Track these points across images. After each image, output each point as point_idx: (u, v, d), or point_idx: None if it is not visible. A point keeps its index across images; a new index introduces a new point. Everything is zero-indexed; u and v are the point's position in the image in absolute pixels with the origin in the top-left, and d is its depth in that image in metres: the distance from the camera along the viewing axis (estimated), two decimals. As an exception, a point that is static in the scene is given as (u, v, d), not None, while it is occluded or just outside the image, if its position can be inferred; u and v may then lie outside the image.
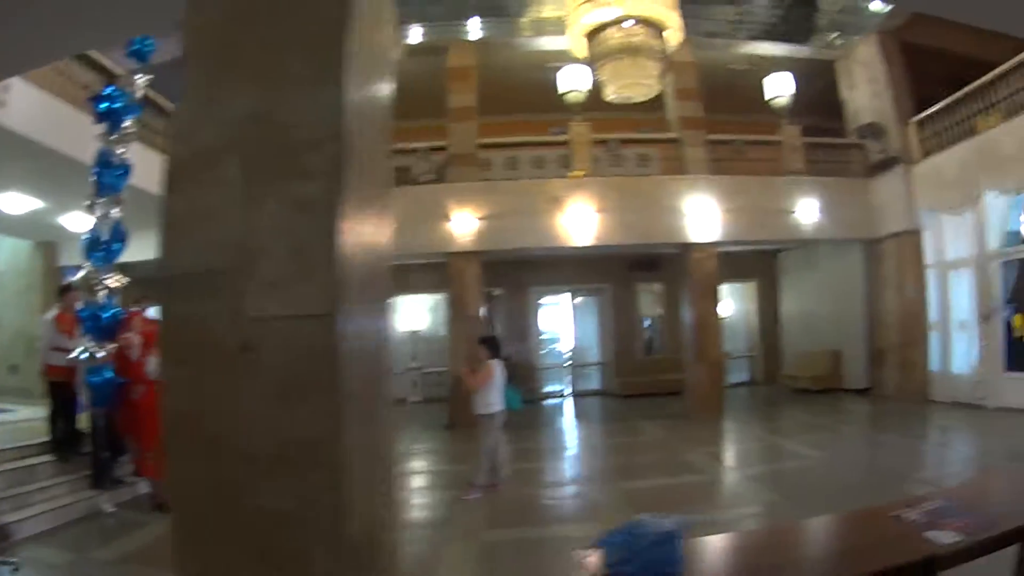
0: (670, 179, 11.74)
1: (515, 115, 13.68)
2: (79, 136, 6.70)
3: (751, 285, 16.42)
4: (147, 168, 7.08)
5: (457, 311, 11.97)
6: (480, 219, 11.58)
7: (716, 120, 12.43)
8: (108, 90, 6.45)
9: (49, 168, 7.32)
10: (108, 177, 6.36)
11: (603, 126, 12.57)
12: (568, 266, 15.11)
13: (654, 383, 14.17)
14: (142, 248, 10.77)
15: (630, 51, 7.76)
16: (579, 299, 16.68)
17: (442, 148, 12.16)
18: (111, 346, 6.29)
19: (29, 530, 5.24)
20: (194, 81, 1.84)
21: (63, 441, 6.40)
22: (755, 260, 15.52)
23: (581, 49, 8.46)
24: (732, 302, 16.52)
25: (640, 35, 7.80)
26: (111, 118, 6.38)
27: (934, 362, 11.09)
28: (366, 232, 1.94)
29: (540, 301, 16.49)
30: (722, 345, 12.04)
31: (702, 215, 11.42)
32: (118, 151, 6.46)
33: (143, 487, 6.49)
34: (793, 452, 8.17)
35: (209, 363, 1.68)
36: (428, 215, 11.58)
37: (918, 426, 9.48)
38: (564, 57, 11.17)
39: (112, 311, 6.35)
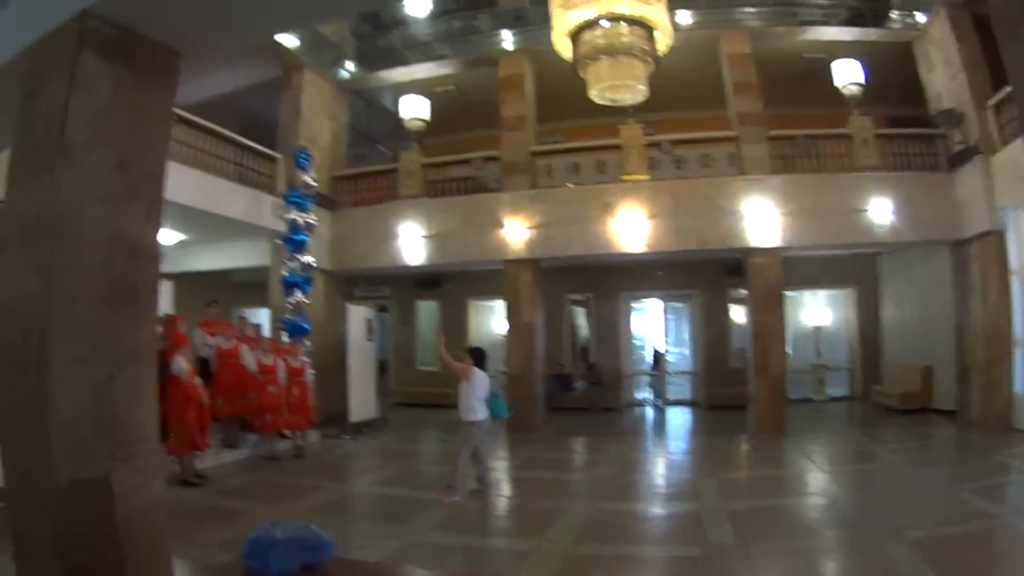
0: (728, 180, 11.81)
1: (572, 121, 14.40)
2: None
3: (850, 292, 15.90)
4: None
5: (513, 318, 12.83)
6: (533, 227, 12.42)
7: (779, 115, 12.38)
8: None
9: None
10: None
11: (664, 127, 13.03)
12: (659, 270, 15.62)
13: (740, 395, 14.13)
14: (210, 259, 13.03)
15: (614, 52, 8.13)
16: (670, 305, 17.06)
17: (496, 158, 13.18)
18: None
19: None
20: None
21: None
22: (854, 264, 15.07)
23: (566, 50, 8.86)
24: (830, 310, 16.14)
25: (626, 35, 8.18)
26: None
27: (1018, 383, 10.36)
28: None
29: (630, 307, 17.04)
30: (784, 358, 11.83)
31: (763, 218, 11.40)
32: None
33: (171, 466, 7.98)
34: (815, 488, 7.63)
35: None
36: (484, 223, 12.68)
37: (978, 462, 8.61)
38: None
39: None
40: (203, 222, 11.67)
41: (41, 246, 3.08)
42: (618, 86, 8.46)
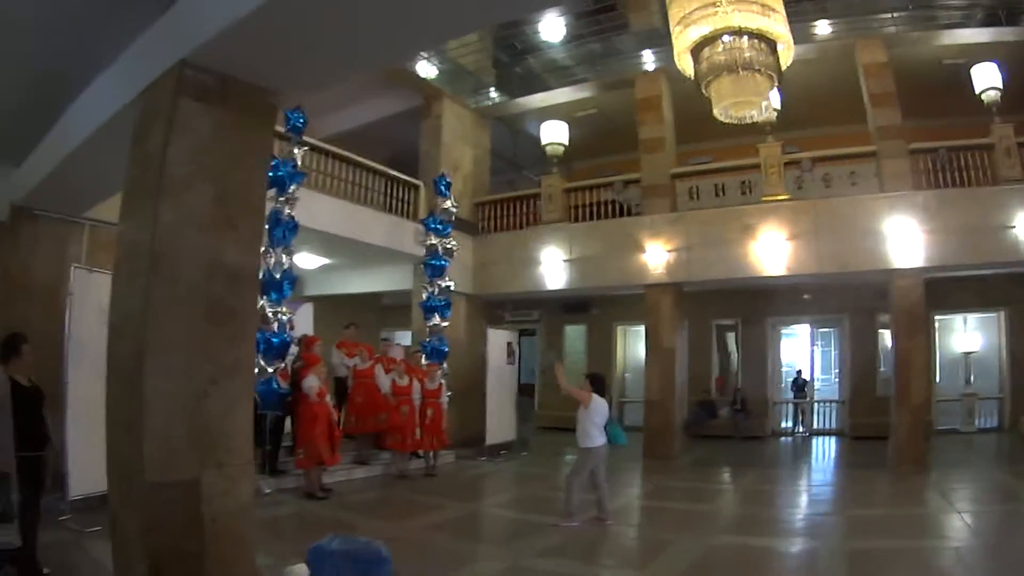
0: (869, 198, 11.04)
1: (713, 142, 14.07)
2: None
3: (1001, 314, 14.28)
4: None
5: (653, 343, 12.64)
6: (673, 250, 12.22)
7: (919, 127, 11.47)
8: (276, 162, 8.82)
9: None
10: (279, 232, 8.72)
11: (805, 144, 12.48)
12: (806, 294, 14.95)
13: (885, 425, 13.10)
14: (357, 282, 13.90)
15: (736, 67, 7.89)
16: (818, 331, 16.23)
17: (636, 180, 13.14)
18: (279, 364, 8.59)
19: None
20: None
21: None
22: (1005, 285, 13.49)
23: (688, 68, 8.70)
24: (980, 334, 14.71)
25: (746, 50, 7.91)
26: (278, 184, 8.74)
27: None
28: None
29: (779, 332, 16.43)
30: (927, 386, 10.88)
31: (905, 237, 10.54)
32: (286, 211, 8.82)
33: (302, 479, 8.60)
34: (947, 530, 6.91)
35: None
36: (624, 247, 12.68)
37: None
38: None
39: (281, 336, 8.63)
40: (347, 248, 12.55)
41: (142, 271, 3.50)
42: (742, 103, 8.17)
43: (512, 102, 14.58)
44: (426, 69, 13.58)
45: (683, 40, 8.39)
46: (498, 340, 13.07)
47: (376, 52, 4.00)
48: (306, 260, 13.51)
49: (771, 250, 11.38)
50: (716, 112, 8.45)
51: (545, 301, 17.85)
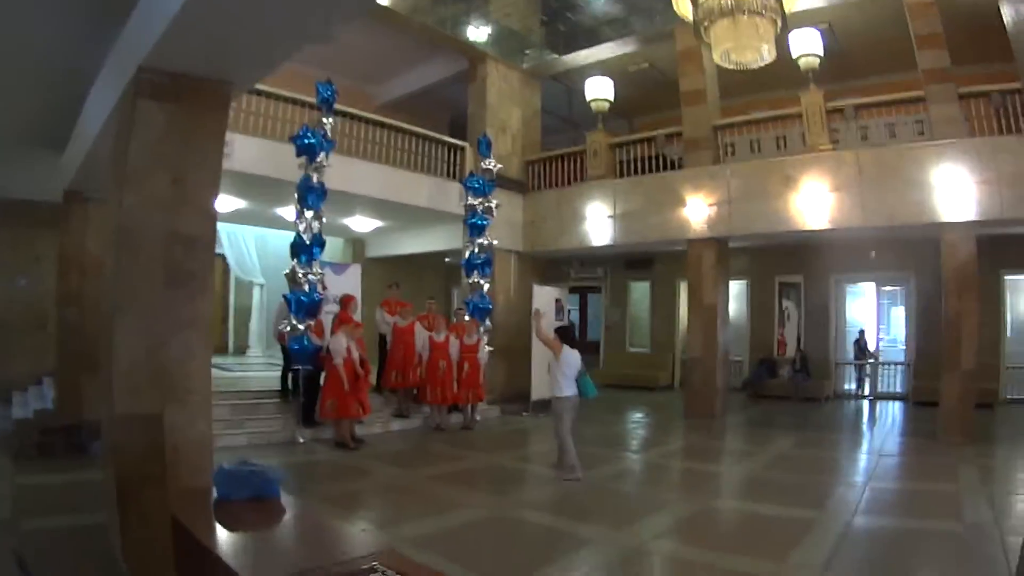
0: (916, 147, 10.82)
1: (757, 95, 14.15)
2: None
3: None
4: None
5: (695, 299, 13.06)
6: (714, 204, 12.52)
7: (970, 73, 11.04)
8: (304, 130, 9.78)
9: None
10: (309, 198, 9.69)
11: (850, 94, 12.37)
12: (872, 251, 14.75)
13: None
14: (411, 243, 14.92)
15: (735, 11, 7.95)
16: (884, 290, 16.02)
17: (678, 134, 13.42)
18: (311, 322, 9.62)
19: (241, 443, 8.77)
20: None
21: (284, 389, 10.07)
22: None
23: (685, 11, 8.74)
24: None
25: None
26: (308, 152, 9.69)
27: None
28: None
29: (843, 290, 16.36)
30: (975, 351, 10.41)
31: (954, 188, 10.33)
32: (315, 178, 9.76)
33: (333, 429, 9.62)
34: (966, 510, 6.55)
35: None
36: (666, 202, 13.08)
37: None
38: (798, 19, 11.38)
39: (312, 296, 9.64)
40: (397, 210, 13.58)
41: (112, 244, 4.51)
42: (742, 47, 8.25)
43: (559, 60, 14.98)
44: (473, 33, 14.25)
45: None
46: (545, 297, 13.66)
47: (316, 24, 4.51)
48: (360, 223, 14.67)
49: (814, 203, 11.45)
50: (716, 57, 8.64)
51: (608, 258, 18.36)
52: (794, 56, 11.92)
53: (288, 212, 12.02)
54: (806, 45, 11.84)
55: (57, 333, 9.74)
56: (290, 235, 9.99)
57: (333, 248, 17.28)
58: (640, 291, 18.97)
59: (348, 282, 12.38)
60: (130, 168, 4.47)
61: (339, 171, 10.93)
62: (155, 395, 4.42)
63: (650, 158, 13.78)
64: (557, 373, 7.68)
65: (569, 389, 7.68)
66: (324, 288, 10.12)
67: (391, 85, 16.68)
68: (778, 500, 7.03)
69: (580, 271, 19.27)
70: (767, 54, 8.36)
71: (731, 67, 8.83)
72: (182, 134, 4.66)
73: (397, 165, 12.86)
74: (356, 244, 17.22)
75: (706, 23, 8.30)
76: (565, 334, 8.00)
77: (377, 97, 16.94)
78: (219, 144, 4.86)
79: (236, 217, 13.91)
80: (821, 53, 11.86)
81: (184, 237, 4.63)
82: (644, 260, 17.96)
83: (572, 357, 7.73)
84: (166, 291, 4.54)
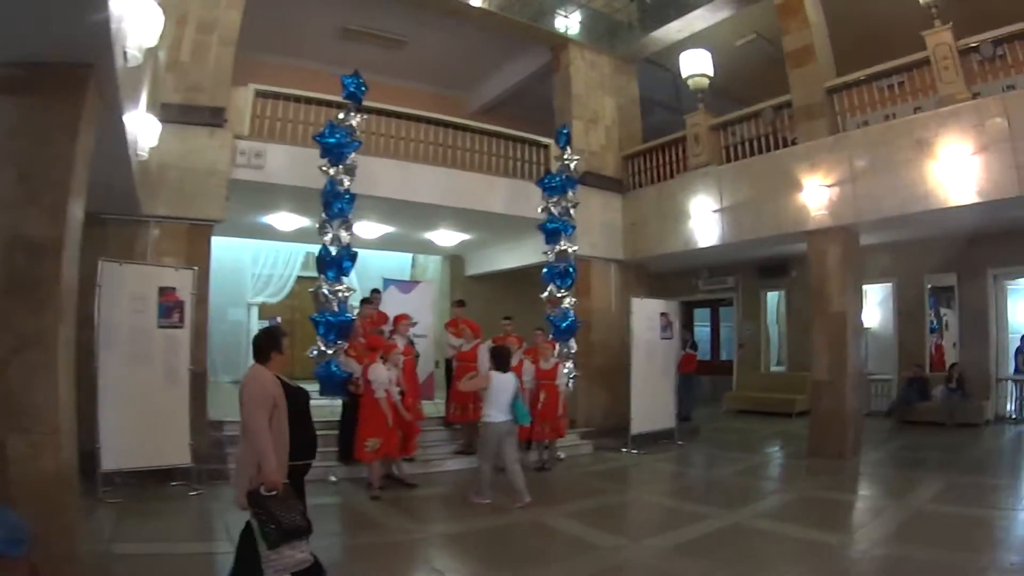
0: None
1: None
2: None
3: None
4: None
5: (818, 305, 11.33)
6: (833, 184, 10.88)
7: None
8: (329, 128, 9.38)
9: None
10: (336, 206, 9.38)
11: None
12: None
13: None
14: (507, 257, 14.42)
15: None
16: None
17: (788, 104, 11.94)
18: (341, 345, 9.24)
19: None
20: None
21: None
22: None
23: None
24: None
25: None
26: (334, 152, 9.35)
27: None
28: None
29: (1004, 287, 14.05)
30: None
31: None
32: (345, 182, 9.40)
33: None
34: None
35: None
36: (778, 187, 11.64)
37: None
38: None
39: (340, 316, 9.30)
40: (479, 220, 13.22)
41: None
42: None
43: (649, 38, 13.94)
44: (560, 22, 13.86)
45: None
46: (646, 311, 12.66)
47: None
48: (445, 237, 14.38)
49: (954, 170, 9.52)
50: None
51: (739, 265, 17.02)
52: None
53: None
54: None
55: None
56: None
57: (431, 266, 17.23)
58: (776, 302, 17.50)
59: (416, 301, 12.09)
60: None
61: (392, 176, 10.97)
62: (-4, 421, 4.17)
63: (761, 138, 12.33)
64: (486, 400, 8.08)
65: (499, 416, 7.98)
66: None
67: (482, 89, 16.45)
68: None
69: (709, 282, 17.97)
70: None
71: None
72: (35, 128, 4.49)
73: (464, 168, 12.43)
74: (454, 262, 16.93)
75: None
76: (499, 358, 8.30)
77: (472, 103, 16.77)
78: (72, 137, 4.59)
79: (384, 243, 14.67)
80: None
81: (29, 240, 4.38)
82: (779, 265, 16.43)
83: (504, 383, 8.08)
84: (5, 302, 4.30)
